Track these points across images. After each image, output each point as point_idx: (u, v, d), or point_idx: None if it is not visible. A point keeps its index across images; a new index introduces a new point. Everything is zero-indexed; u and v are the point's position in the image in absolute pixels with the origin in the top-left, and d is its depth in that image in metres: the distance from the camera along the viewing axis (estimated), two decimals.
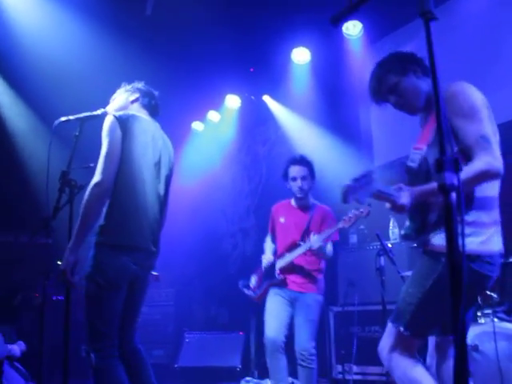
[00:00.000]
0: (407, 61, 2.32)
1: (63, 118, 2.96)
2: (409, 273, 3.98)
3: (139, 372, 2.73)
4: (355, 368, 4.67)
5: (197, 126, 7.76)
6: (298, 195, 3.93)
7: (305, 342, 3.66)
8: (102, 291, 2.57)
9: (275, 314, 3.80)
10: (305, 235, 3.81)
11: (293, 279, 3.83)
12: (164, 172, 2.91)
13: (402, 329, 2.12)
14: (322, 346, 5.24)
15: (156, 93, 3.09)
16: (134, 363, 2.73)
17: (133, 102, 2.99)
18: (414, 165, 2.22)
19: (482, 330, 2.94)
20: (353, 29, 5.90)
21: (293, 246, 3.83)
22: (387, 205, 2.14)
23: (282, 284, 3.84)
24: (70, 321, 2.71)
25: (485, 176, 2.01)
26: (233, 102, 7.34)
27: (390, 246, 4.31)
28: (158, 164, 2.86)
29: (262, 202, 7.14)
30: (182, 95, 6.31)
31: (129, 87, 3.04)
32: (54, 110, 3.58)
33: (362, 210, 3.46)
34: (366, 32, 5.84)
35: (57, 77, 5.48)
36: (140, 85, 3.06)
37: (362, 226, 5.51)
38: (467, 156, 2.04)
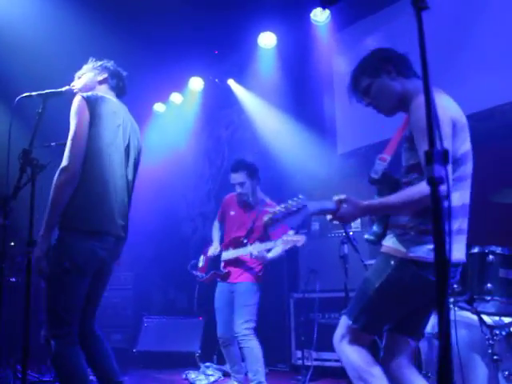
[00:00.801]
0: (383, 60, 2.28)
1: (25, 94, 2.84)
2: (371, 261, 4.04)
3: (100, 358, 2.68)
4: (315, 354, 4.72)
5: (159, 107, 7.61)
6: (241, 199, 4.10)
7: (238, 326, 3.84)
8: (67, 276, 2.49)
9: (220, 310, 4.04)
10: (249, 233, 4.01)
11: (233, 271, 4.02)
12: (132, 156, 2.84)
13: (350, 322, 2.17)
14: (282, 332, 5.29)
15: (124, 73, 3.00)
16: (94, 349, 2.68)
17: (101, 82, 2.90)
18: (376, 176, 2.26)
19: None
20: (320, 15, 5.88)
21: (238, 242, 4.02)
22: (328, 217, 2.18)
23: (226, 277, 4.03)
24: (30, 304, 2.62)
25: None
26: (196, 84, 7.23)
27: (351, 234, 4.35)
28: (127, 148, 2.79)
29: (223, 187, 7.08)
30: (144, 76, 6.13)
31: (97, 65, 2.93)
32: (14, 86, 3.42)
33: (299, 238, 3.77)
34: (333, 19, 5.84)
35: (16, 51, 5.24)
36: (109, 64, 2.95)
37: None
38: (422, 172, 2.02)
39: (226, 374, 5.10)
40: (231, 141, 7.29)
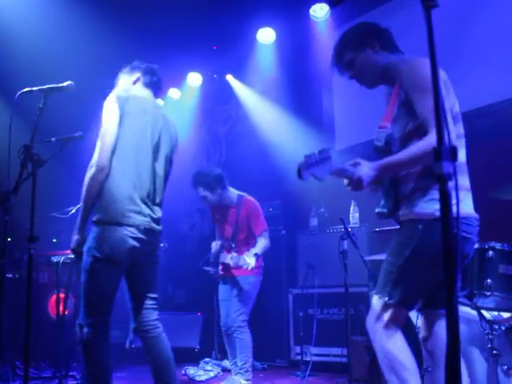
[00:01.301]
0: (366, 34, 2.31)
1: (26, 89, 2.86)
2: (371, 257, 4.06)
3: (160, 353, 2.78)
4: (314, 349, 4.74)
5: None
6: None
7: (234, 317, 4.09)
8: (97, 264, 2.59)
9: (223, 302, 4.27)
10: (236, 231, 4.25)
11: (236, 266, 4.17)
12: (164, 151, 2.94)
13: (386, 298, 2.12)
14: (280, 328, 5.30)
15: (156, 67, 3.09)
16: (152, 342, 2.79)
17: (134, 82, 3.02)
18: (380, 144, 2.24)
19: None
20: (319, 11, 5.89)
21: (228, 245, 4.26)
22: (345, 181, 2.16)
23: (229, 270, 4.22)
24: (31, 289, 2.66)
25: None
26: (194, 79, 7.21)
27: (349, 229, 4.37)
28: (157, 144, 2.88)
29: None
30: None
31: (129, 67, 3.06)
32: (14, 81, 3.41)
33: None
34: (332, 15, 5.83)
35: (17, 46, 5.21)
36: (139, 63, 3.07)
37: (322, 209, 5.56)
38: (424, 131, 2.04)
39: (225, 370, 5.11)
40: (229, 136, 7.29)
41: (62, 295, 4.47)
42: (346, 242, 3.99)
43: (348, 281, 3.80)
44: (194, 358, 5.38)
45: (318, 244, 5.19)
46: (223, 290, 4.30)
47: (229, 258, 4.10)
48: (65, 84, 2.92)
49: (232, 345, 4.20)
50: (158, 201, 2.88)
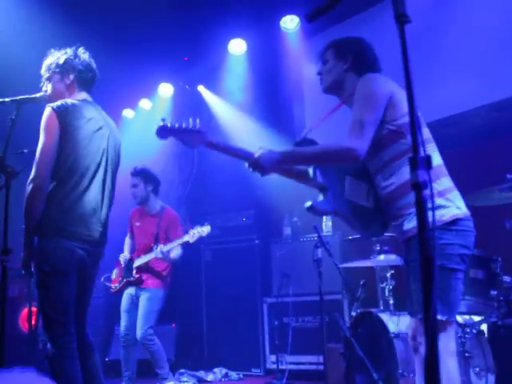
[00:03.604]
0: (349, 51, 2.41)
1: None
2: (345, 264, 4.10)
3: (90, 365, 2.71)
4: (290, 358, 4.76)
5: (127, 113, 7.54)
6: (135, 201, 4.58)
7: (143, 331, 4.20)
8: (50, 279, 2.57)
9: (126, 314, 4.37)
10: (156, 239, 4.42)
11: (145, 277, 4.38)
12: (111, 158, 2.89)
13: (445, 318, 2.03)
14: (256, 337, 5.31)
15: (90, 61, 2.94)
16: (86, 355, 2.70)
17: (69, 85, 2.88)
18: (298, 140, 2.42)
19: None
20: (290, 23, 5.96)
21: (148, 249, 4.39)
22: (246, 164, 2.31)
23: (138, 282, 4.37)
24: (5, 302, 2.70)
25: (344, 153, 2.14)
26: (166, 90, 7.19)
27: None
28: (104, 151, 2.83)
29: (194, 193, 7.08)
30: (113, 81, 6.09)
31: (61, 63, 2.86)
32: None
33: (204, 228, 4.20)
34: (302, 27, 5.92)
35: None
36: (73, 57, 2.88)
37: (295, 219, 5.61)
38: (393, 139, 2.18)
39: (200, 380, 5.09)
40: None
41: (34, 309, 4.40)
42: (319, 250, 4.04)
43: (323, 289, 3.84)
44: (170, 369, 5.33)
45: (291, 253, 5.23)
46: (126, 300, 4.39)
47: (157, 251, 4.21)
48: (38, 95, 2.90)
49: (130, 355, 4.33)
50: (104, 212, 2.82)
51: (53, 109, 2.63)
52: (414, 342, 2.15)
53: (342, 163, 2.33)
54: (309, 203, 2.25)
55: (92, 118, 2.79)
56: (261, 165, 2.24)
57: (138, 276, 4.36)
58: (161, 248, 4.20)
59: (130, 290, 4.39)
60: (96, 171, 2.76)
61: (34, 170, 2.57)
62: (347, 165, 2.37)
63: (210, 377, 5.22)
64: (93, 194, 2.73)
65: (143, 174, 4.54)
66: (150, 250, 4.35)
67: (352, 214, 2.35)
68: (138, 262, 4.41)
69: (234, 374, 5.23)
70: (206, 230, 4.20)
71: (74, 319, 2.66)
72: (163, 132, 2.27)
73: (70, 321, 2.60)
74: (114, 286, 4.53)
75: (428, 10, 4.78)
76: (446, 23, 4.79)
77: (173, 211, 4.60)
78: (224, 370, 5.30)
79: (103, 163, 2.82)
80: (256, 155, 2.25)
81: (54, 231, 2.58)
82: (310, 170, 2.34)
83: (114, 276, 4.61)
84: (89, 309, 2.87)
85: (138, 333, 4.20)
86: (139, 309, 4.29)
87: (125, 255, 4.53)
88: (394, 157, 2.20)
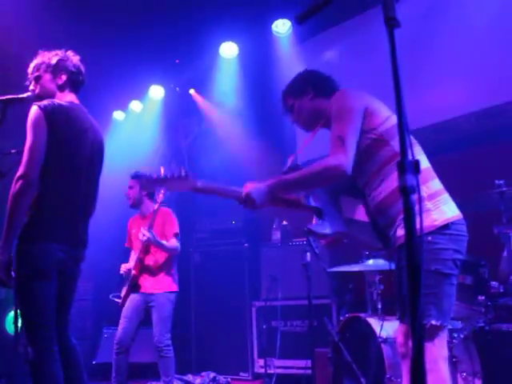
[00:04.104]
0: (303, 83, 2.47)
1: None
2: (333, 269, 4.11)
3: (73, 368, 2.67)
4: (278, 362, 4.75)
5: (118, 115, 7.50)
6: (128, 202, 4.60)
7: (160, 335, 4.22)
8: (30, 281, 2.52)
9: (128, 320, 4.33)
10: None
11: (145, 281, 4.34)
12: (94, 161, 2.86)
13: (438, 323, 2.06)
14: (244, 341, 5.29)
15: (80, 65, 2.92)
16: (68, 358, 2.66)
17: (61, 86, 2.85)
18: (284, 169, 2.39)
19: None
20: (282, 27, 5.97)
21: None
22: (236, 202, 2.27)
23: (136, 288, 4.36)
24: None
25: (330, 170, 2.12)
26: (156, 92, 7.17)
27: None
28: (90, 153, 2.81)
29: (183, 196, 7.04)
30: (104, 83, 6.07)
31: (53, 63, 2.84)
32: None
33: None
34: (294, 31, 5.92)
35: None
36: (64, 58, 2.87)
37: (284, 222, 5.60)
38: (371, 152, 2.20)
39: None
40: (192, 150, 7.27)
41: None
42: (308, 255, 4.04)
43: (311, 293, 3.84)
44: (158, 374, 5.30)
45: (280, 257, 5.22)
46: (132, 305, 4.38)
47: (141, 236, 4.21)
48: (25, 95, 2.85)
49: (123, 363, 4.26)
50: (86, 214, 2.81)
51: (40, 107, 2.59)
52: (404, 348, 2.14)
53: (331, 183, 2.27)
54: (307, 228, 2.28)
55: (77, 120, 2.76)
56: (251, 201, 2.21)
57: (134, 273, 4.36)
58: (142, 231, 4.20)
59: (137, 297, 4.36)
60: (79, 173, 2.74)
61: (23, 167, 2.51)
62: (338, 184, 2.34)
63: (197, 380, 5.20)
64: (74, 196, 2.71)
65: (140, 180, 4.49)
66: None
67: (357, 232, 2.34)
68: (132, 263, 4.42)
69: (221, 378, 5.20)
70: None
71: (56, 322, 2.62)
72: (149, 184, 2.25)
73: (50, 323, 2.56)
74: (122, 302, 4.51)
75: (418, 16, 4.79)
76: (436, 30, 4.81)
77: (166, 208, 4.60)
78: (212, 374, 5.27)
79: (86, 166, 2.79)
80: (244, 192, 2.22)
81: (34, 233, 2.55)
82: (303, 197, 2.34)
83: (123, 293, 4.57)
84: (76, 311, 2.84)
85: (158, 339, 4.22)
86: (153, 315, 4.29)
87: (125, 266, 4.50)
88: (380, 166, 2.19)
